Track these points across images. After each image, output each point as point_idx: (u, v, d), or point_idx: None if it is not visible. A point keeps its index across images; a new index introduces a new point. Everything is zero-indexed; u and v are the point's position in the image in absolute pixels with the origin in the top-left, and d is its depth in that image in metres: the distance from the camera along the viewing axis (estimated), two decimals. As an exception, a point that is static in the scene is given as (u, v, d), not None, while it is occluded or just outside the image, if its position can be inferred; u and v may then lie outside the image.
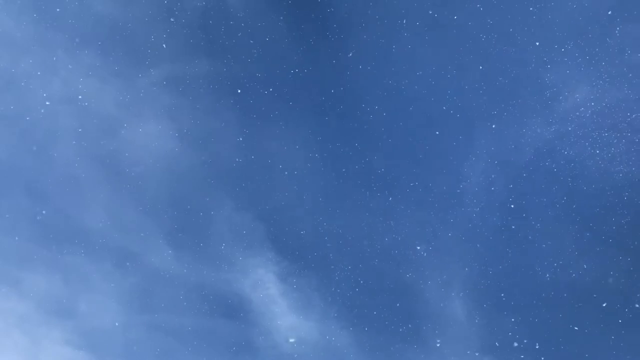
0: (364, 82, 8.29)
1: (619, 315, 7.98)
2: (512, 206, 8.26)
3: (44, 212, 7.95)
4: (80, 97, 8.00)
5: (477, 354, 8.15)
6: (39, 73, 7.94)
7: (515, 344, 8.10)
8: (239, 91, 8.22)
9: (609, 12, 8.02)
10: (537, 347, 8.09)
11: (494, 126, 8.26)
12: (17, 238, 7.91)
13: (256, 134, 8.27)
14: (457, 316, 8.21)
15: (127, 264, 8.16)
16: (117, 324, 8.13)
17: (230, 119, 8.25)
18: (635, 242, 8.00)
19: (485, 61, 8.24)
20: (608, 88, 8.11)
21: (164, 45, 8.05)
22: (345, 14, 8.26)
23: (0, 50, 7.79)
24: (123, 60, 8.08)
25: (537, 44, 8.13)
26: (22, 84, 7.87)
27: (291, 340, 8.08)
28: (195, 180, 8.18)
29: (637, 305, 7.95)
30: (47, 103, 7.89)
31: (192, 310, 8.18)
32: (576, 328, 8.04)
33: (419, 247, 8.31)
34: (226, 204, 8.22)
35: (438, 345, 8.17)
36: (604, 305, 8.00)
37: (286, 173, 8.28)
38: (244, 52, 8.26)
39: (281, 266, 8.29)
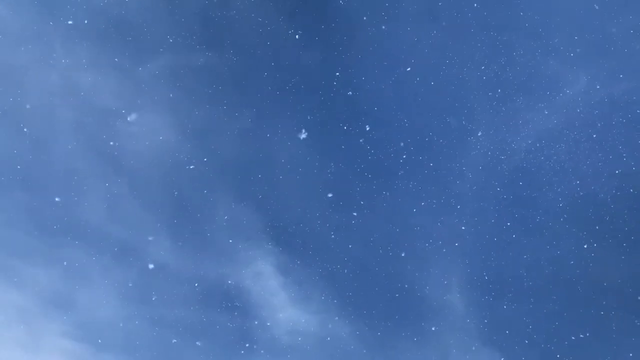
0: (365, 77, 8.30)
1: (618, 311, 8.01)
2: (512, 200, 8.29)
3: (41, 204, 7.96)
4: (78, 90, 8.00)
5: (476, 346, 8.17)
6: (36, 66, 7.93)
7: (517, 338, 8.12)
8: (239, 84, 8.23)
9: (610, 5, 8.03)
10: (536, 339, 8.11)
11: (494, 122, 8.28)
12: (16, 231, 7.91)
13: (257, 126, 8.28)
14: (457, 310, 8.24)
15: (126, 257, 8.16)
16: (116, 316, 8.14)
17: (230, 112, 8.26)
18: (637, 239, 8.01)
19: (485, 57, 8.26)
20: (609, 83, 8.12)
21: (165, 38, 8.04)
22: (348, 9, 8.26)
23: (-2, 42, 7.79)
24: (122, 52, 8.07)
25: (538, 39, 8.14)
26: (20, 76, 7.86)
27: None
28: (194, 173, 8.18)
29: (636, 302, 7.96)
30: (45, 96, 7.89)
31: (190, 302, 8.19)
32: (574, 321, 8.07)
33: (419, 241, 8.33)
34: (226, 196, 8.23)
35: (437, 337, 8.18)
36: (603, 301, 8.03)
37: (287, 166, 8.29)
38: (245, 45, 8.26)
39: (280, 258, 8.31)
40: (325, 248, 8.30)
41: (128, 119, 7.86)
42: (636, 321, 7.93)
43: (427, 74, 8.26)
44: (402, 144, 8.26)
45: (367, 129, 8.33)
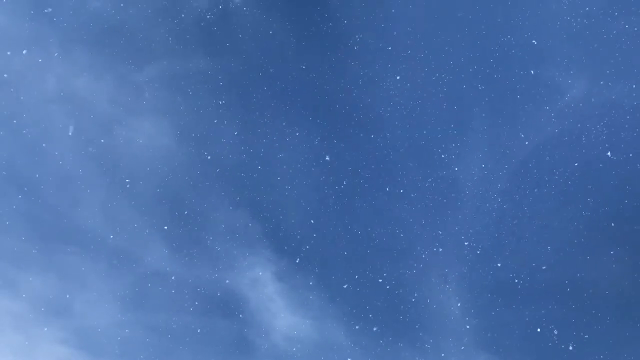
0: (362, 80, 8.30)
1: (616, 315, 8.03)
2: (510, 203, 8.29)
3: (38, 210, 7.91)
4: (75, 94, 7.95)
5: (474, 351, 8.17)
6: (33, 71, 7.88)
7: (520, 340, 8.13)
8: (237, 88, 8.21)
9: (607, 8, 8.05)
10: (534, 344, 8.12)
11: (491, 124, 8.29)
12: (11, 237, 7.85)
13: (254, 131, 8.25)
14: (455, 314, 8.23)
15: (123, 263, 8.12)
16: (113, 323, 8.09)
17: (227, 117, 8.23)
18: (636, 239, 8.04)
19: (482, 59, 8.25)
20: (606, 85, 8.14)
21: (162, 43, 8.01)
22: (345, 12, 8.25)
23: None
24: (119, 57, 8.03)
25: (534, 41, 8.14)
26: (16, 82, 7.81)
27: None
28: (191, 179, 8.14)
29: (635, 303, 7.98)
30: (43, 102, 7.84)
31: (188, 309, 8.15)
32: (573, 326, 8.08)
33: (417, 245, 8.33)
34: (223, 203, 8.20)
35: (435, 342, 8.18)
36: (605, 303, 8.05)
37: (284, 171, 8.26)
38: (242, 49, 8.24)
39: (279, 265, 8.29)
40: (324, 254, 8.30)
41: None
42: (634, 326, 7.96)
43: (426, 77, 8.27)
44: (401, 150, 8.27)
45: (366, 133, 8.33)
